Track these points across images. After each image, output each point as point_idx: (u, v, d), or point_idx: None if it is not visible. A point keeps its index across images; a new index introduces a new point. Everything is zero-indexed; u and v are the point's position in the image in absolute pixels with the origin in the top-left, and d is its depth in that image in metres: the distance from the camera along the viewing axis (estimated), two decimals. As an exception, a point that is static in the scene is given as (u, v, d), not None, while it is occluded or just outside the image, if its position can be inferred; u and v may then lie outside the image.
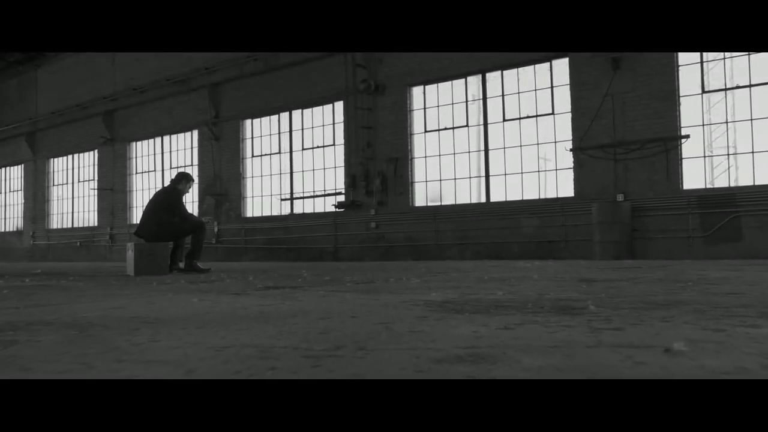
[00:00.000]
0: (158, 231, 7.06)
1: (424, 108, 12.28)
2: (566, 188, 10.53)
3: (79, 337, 1.91)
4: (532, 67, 10.87)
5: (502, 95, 11.29)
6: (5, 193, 22.84)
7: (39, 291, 4.30)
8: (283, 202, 14.48)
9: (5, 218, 22.79)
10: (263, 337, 1.85)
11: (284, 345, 1.67)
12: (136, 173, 17.95)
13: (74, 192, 20.02)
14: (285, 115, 14.47)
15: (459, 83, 11.84)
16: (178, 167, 16.28)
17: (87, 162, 19.59)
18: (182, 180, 7.40)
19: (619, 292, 3.33)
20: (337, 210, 13.10)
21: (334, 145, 13.59)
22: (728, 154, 9.33)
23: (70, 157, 20.09)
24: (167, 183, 7.81)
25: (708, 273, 5.01)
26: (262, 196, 14.96)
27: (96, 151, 18.92)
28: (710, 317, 2.08)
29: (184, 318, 2.42)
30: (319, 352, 1.55)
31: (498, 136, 11.40)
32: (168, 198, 7.24)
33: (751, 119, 8.94)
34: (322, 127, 13.86)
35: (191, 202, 15.76)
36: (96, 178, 18.97)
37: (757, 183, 8.91)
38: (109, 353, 1.60)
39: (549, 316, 2.20)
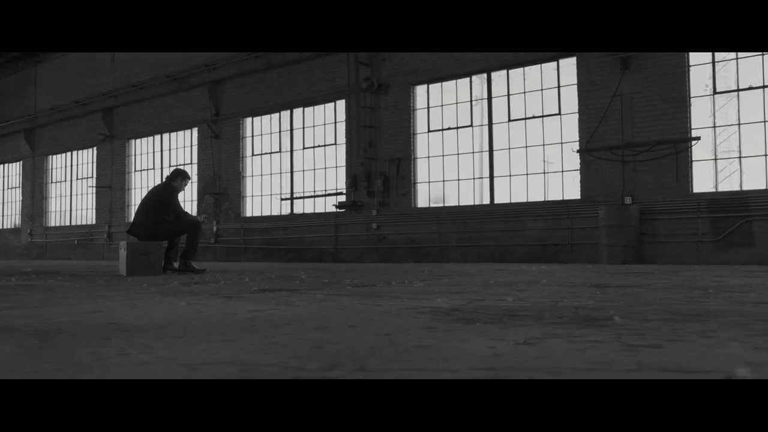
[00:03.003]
0: (152, 230, 6.83)
1: (428, 107, 12.04)
2: (572, 190, 10.29)
3: (38, 348, 1.67)
4: (539, 66, 10.63)
5: (508, 95, 11.05)
6: (3, 189, 22.62)
7: (21, 291, 4.07)
8: (283, 201, 14.24)
9: (3, 215, 22.56)
10: (249, 350, 1.61)
11: (271, 362, 1.44)
12: (135, 171, 17.73)
13: (72, 189, 19.79)
14: (286, 114, 14.24)
15: (463, 82, 11.60)
16: (177, 165, 16.04)
17: (86, 159, 19.36)
18: (178, 177, 7.17)
19: (637, 299, 3.10)
20: (337, 210, 12.86)
21: (335, 144, 13.35)
22: (740, 157, 9.07)
23: (68, 154, 19.87)
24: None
25: (725, 279, 4.78)
26: (262, 196, 14.72)
27: (95, 148, 18.70)
28: (755, 332, 1.84)
29: (165, 325, 2.19)
30: (311, 373, 1.32)
31: (503, 136, 11.16)
32: (162, 195, 7.00)
33: (765, 121, 8.70)
34: (324, 125, 13.62)
35: (190, 200, 15.54)
36: (94, 175, 18.74)
37: (769, 187, 8.67)
38: (65, 370, 1.37)
39: (571, 329, 1.97)
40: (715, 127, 9.34)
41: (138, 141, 17.65)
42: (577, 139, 10.13)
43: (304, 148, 13.97)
